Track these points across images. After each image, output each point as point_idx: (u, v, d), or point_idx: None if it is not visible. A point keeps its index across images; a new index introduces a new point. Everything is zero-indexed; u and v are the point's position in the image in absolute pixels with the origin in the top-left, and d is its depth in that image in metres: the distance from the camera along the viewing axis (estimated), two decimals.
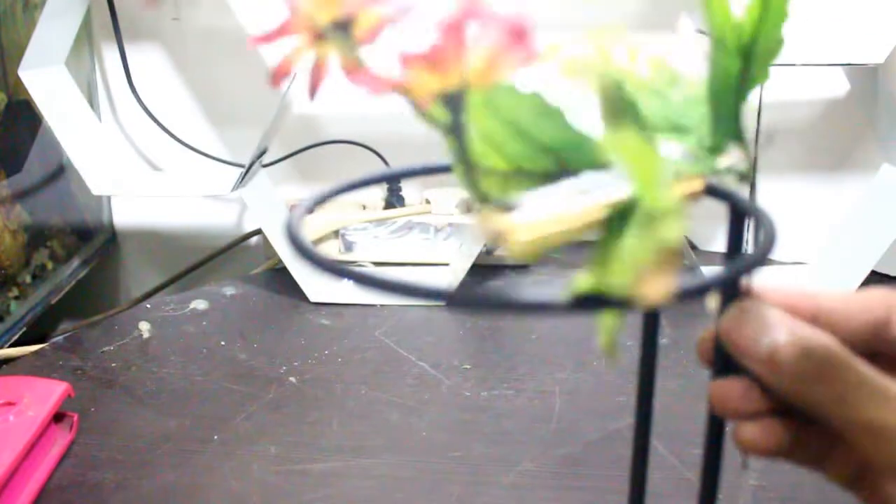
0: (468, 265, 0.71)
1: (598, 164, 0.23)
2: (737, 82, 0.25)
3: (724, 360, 0.27)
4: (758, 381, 0.27)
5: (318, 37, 0.20)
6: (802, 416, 0.26)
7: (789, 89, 0.80)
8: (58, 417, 0.52)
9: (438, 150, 0.24)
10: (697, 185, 0.26)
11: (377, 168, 0.77)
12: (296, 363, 0.62)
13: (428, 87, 0.20)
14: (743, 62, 0.25)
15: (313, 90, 0.21)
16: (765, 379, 0.26)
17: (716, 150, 0.26)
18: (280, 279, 0.76)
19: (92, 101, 0.85)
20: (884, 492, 0.26)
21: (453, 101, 0.20)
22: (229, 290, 0.75)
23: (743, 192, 0.27)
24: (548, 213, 0.21)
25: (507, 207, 0.22)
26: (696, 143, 0.26)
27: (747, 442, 0.27)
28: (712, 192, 0.27)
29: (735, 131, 0.26)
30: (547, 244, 0.21)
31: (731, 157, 0.26)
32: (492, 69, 0.20)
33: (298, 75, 0.65)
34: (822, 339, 0.25)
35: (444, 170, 0.27)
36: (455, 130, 0.21)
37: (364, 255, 0.77)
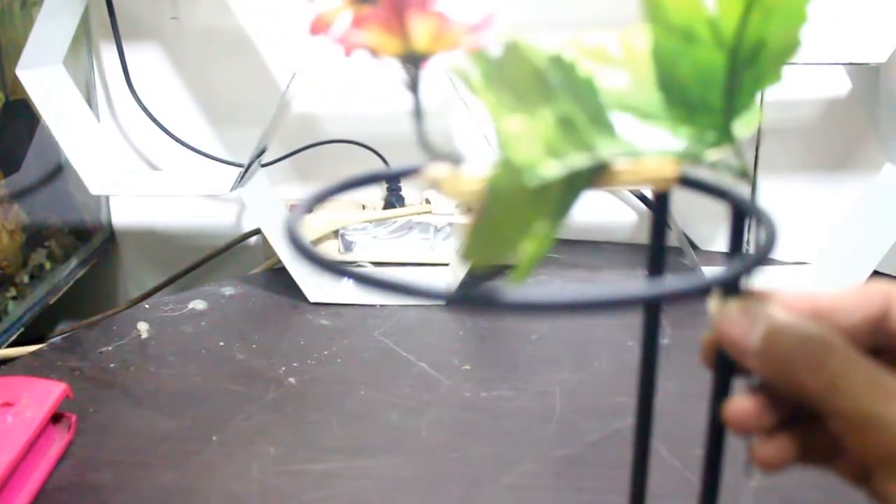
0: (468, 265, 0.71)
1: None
2: (724, 78, 0.25)
3: (725, 361, 0.27)
4: (763, 389, 0.27)
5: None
6: (810, 418, 0.26)
7: (791, 88, 0.80)
8: (56, 418, 0.51)
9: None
10: (669, 169, 0.26)
11: (377, 167, 0.77)
12: (295, 363, 0.62)
13: (390, 49, 0.23)
14: (729, 59, 0.25)
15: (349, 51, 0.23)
16: (760, 373, 0.26)
17: (701, 140, 0.26)
18: (279, 279, 0.76)
19: (90, 101, 0.85)
20: (878, 487, 0.25)
21: (413, 62, 0.23)
22: (228, 291, 0.75)
23: (744, 191, 0.27)
24: (482, 170, 0.24)
25: (454, 160, 0.24)
26: (671, 129, 0.26)
27: (766, 462, 0.27)
28: (712, 191, 0.27)
29: (720, 126, 0.26)
30: (474, 196, 0.24)
31: (721, 152, 0.26)
32: (440, 38, 0.23)
33: (298, 75, 0.65)
34: (814, 326, 0.25)
35: None
36: (413, 88, 0.24)
37: (363, 255, 0.77)
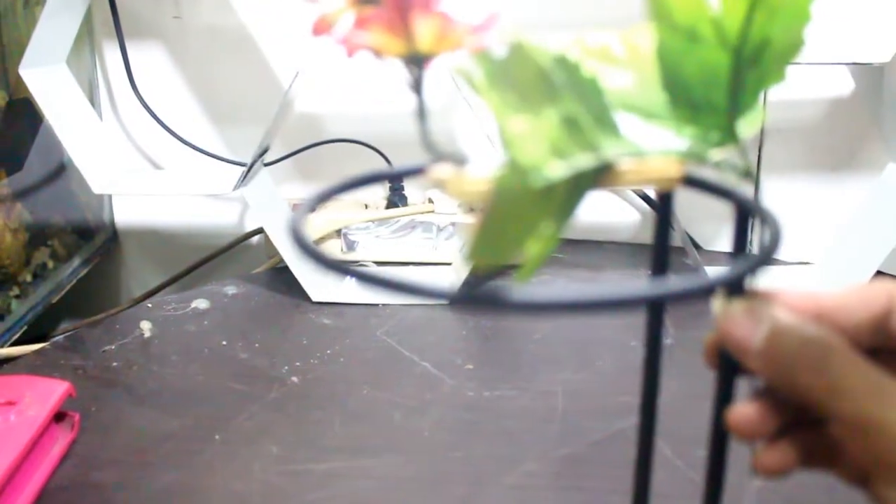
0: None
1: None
2: (728, 77, 0.25)
3: (729, 362, 0.27)
4: (766, 394, 0.27)
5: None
6: (812, 423, 0.26)
7: (794, 88, 0.80)
8: (59, 417, 0.51)
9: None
10: (673, 169, 0.26)
11: (379, 166, 0.77)
12: (297, 363, 0.62)
13: (394, 50, 0.23)
14: (733, 58, 0.25)
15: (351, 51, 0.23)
16: (762, 374, 0.26)
17: (705, 140, 0.26)
18: (282, 278, 0.76)
19: (93, 100, 0.85)
20: (877, 491, 0.25)
21: (417, 62, 0.23)
22: (231, 290, 0.75)
23: (747, 191, 0.27)
24: (486, 171, 0.24)
25: (458, 161, 0.25)
26: (675, 129, 0.26)
27: (768, 469, 0.27)
28: (716, 191, 0.27)
29: (724, 126, 0.26)
30: (478, 197, 0.24)
31: (725, 152, 0.26)
32: (443, 38, 0.23)
33: (300, 74, 0.65)
34: (816, 328, 0.25)
35: None
36: (417, 89, 0.24)
37: (366, 254, 0.77)
